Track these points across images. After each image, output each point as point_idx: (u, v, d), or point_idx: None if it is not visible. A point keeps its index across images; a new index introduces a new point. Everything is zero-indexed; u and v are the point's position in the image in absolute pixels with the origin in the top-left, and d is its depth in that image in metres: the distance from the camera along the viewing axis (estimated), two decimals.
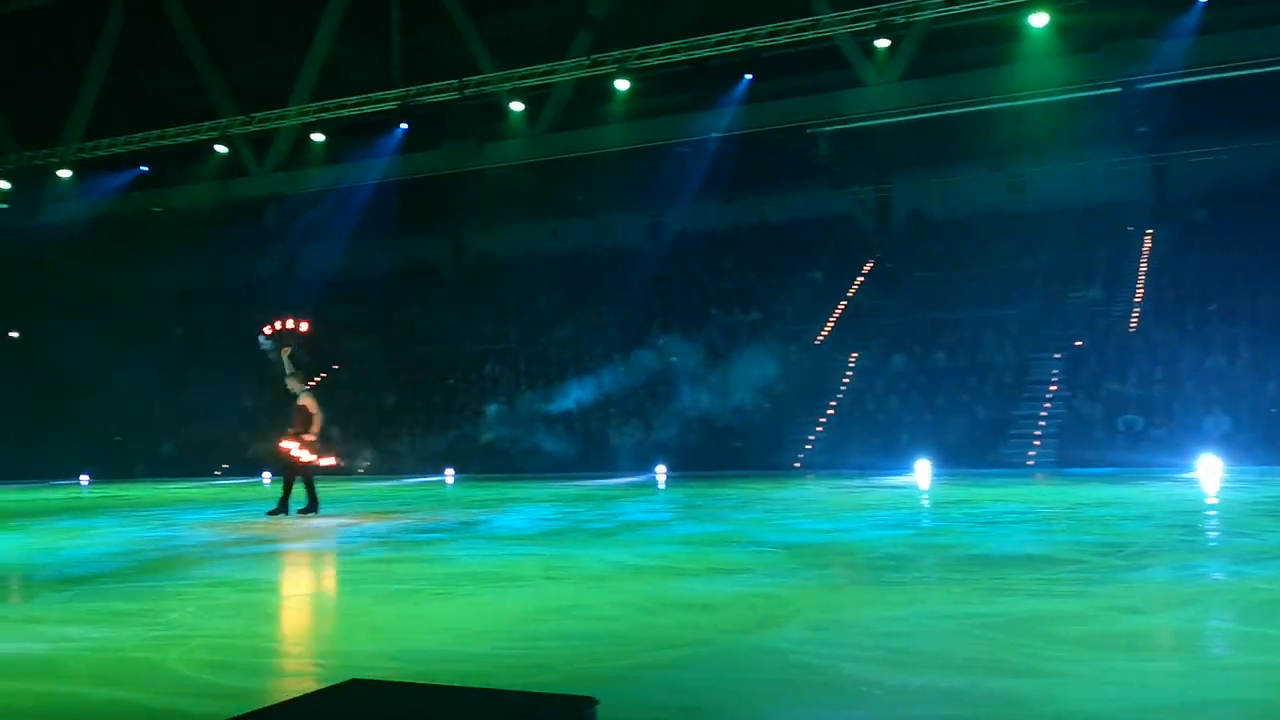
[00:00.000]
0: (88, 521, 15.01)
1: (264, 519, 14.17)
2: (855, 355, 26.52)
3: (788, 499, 16.58)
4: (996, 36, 23.25)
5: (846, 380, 26.02)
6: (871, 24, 23.16)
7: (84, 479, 27.34)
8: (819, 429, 24.90)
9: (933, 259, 28.56)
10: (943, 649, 5.72)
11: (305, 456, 14.13)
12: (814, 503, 15.96)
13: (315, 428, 14.28)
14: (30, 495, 22.58)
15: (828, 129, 26.69)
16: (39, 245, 31.98)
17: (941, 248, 28.74)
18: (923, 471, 20.52)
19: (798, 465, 23.92)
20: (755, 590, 7.70)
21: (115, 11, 29.73)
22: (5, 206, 31.34)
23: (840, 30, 23.62)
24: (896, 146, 27.85)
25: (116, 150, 29.68)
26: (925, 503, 15.85)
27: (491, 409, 27.17)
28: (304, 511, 14.15)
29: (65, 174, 30.21)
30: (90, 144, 29.92)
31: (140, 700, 5.22)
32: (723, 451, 24.55)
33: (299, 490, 14.37)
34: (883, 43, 23.68)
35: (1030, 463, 22.16)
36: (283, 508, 14.19)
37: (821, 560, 9.52)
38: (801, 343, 27.55)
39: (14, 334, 34.65)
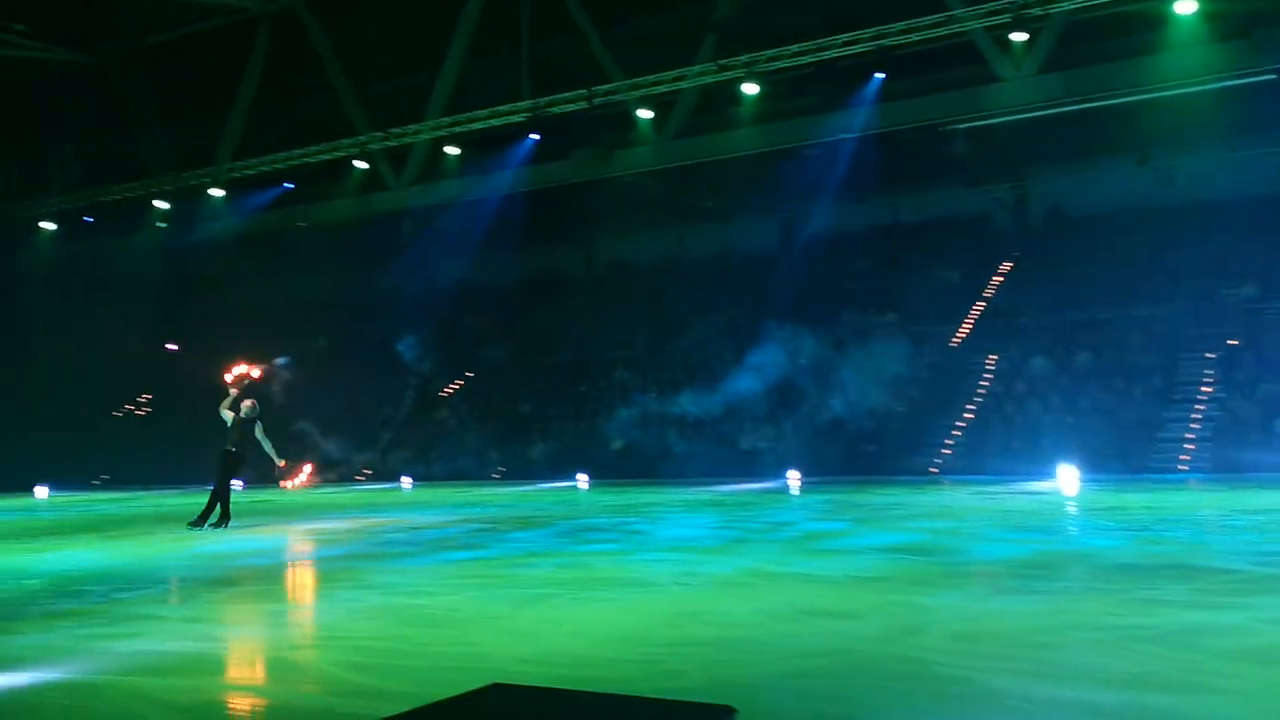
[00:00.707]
0: (240, 525, 15.65)
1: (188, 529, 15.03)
2: (994, 357, 25.83)
3: (925, 505, 16.25)
4: (1140, 25, 22.35)
5: (985, 383, 25.36)
6: (1007, 18, 22.50)
7: (236, 484, 28.49)
8: (956, 433, 24.33)
9: (1075, 256, 27.59)
10: (1094, 662, 5.53)
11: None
12: (953, 509, 15.60)
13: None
14: (187, 500, 23.65)
15: (963, 126, 26.07)
16: (194, 261, 33.58)
17: (1084, 245, 27.76)
18: (1067, 477, 19.86)
19: (934, 471, 23.42)
20: (895, 598, 7.57)
21: (261, 37, 31.00)
22: (164, 226, 32.98)
23: (974, 25, 23.02)
24: (1034, 141, 26.99)
25: (264, 169, 30.94)
26: (1071, 509, 15.35)
27: (622, 414, 27.38)
28: (214, 525, 15.09)
29: (217, 193, 31.61)
30: (240, 164, 31.26)
31: (292, 699, 5.42)
32: (857, 456, 24.19)
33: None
34: (1019, 36, 23.00)
35: (1182, 467, 21.23)
36: (202, 520, 15.12)
37: (963, 568, 9.31)
38: (937, 344, 26.95)
39: (172, 346, 36.39)
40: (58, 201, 34.05)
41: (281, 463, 16.32)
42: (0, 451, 30.18)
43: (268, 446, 15.60)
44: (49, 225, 34.24)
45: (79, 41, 31.73)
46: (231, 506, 15.61)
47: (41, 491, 28.25)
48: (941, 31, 23.18)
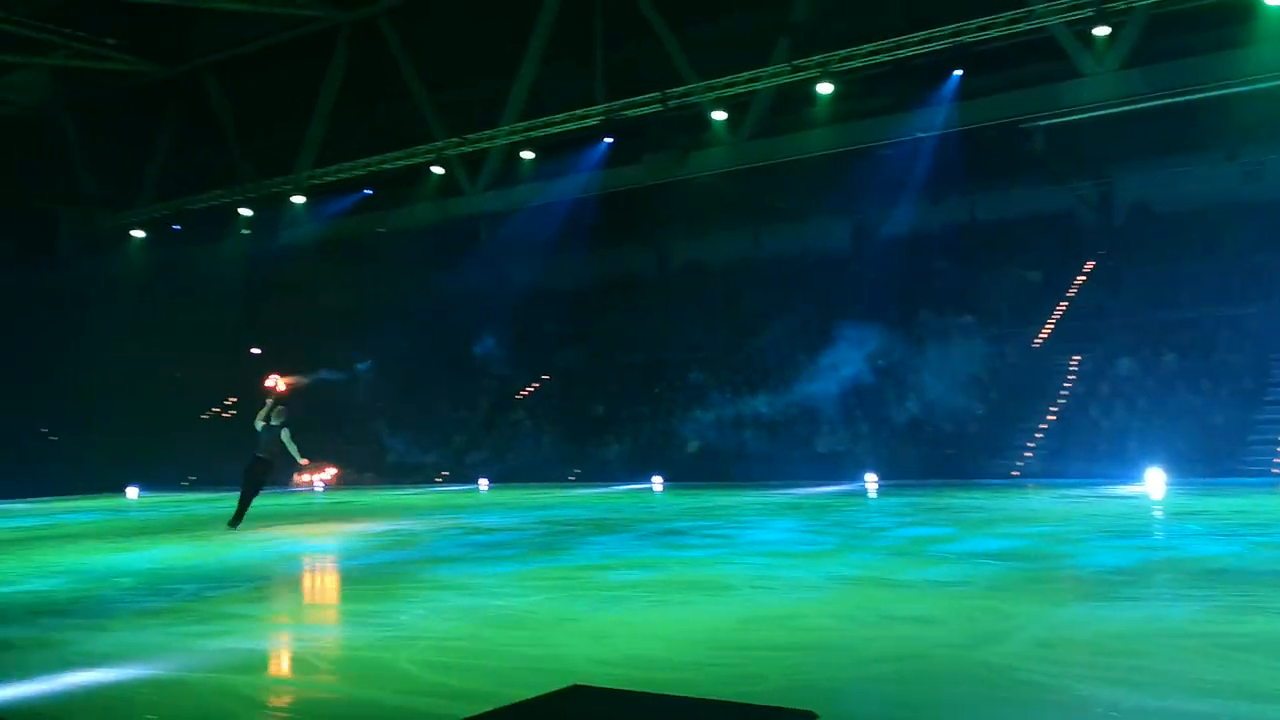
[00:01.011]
0: (322, 525, 15.96)
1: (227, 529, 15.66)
2: (1077, 358, 25.32)
3: (1008, 510, 15.98)
4: (1228, 18, 21.72)
5: (1068, 384, 24.86)
6: (1089, 11, 22.04)
7: (318, 486, 29.05)
8: (1038, 436, 23.88)
9: (1161, 255, 26.95)
10: (1184, 670, 5.40)
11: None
12: (1037, 513, 15.32)
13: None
14: (270, 501, 24.14)
15: (1043, 123, 25.57)
16: (276, 267, 34.27)
17: (1170, 242, 27.07)
18: (1154, 481, 19.37)
19: (1015, 474, 23.01)
20: (976, 604, 7.46)
21: (341, 47, 31.54)
22: (248, 233, 33.75)
23: (1055, 20, 22.59)
24: (1119, 137, 26.40)
25: (344, 176, 31.49)
26: (1158, 514, 14.99)
27: (697, 416, 27.33)
28: (230, 525, 15.75)
29: (299, 200, 32.25)
30: (320, 171, 31.85)
31: (375, 698, 5.49)
32: (936, 459, 23.86)
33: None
34: (1101, 30, 22.51)
35: (1275, 471, 20.61)
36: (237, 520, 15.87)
37: (1047, 573, 9.14)
38: (1017, 345, 26.51)
39: (255, 350, 37.17)
40: (147, 210, 35.02)
41: (304, 461, 16.80)
42: (92, 453, 31.12)
43: (293, 449, 16.11)
44: (139, 233, 35.25)
45: (166, 54, 32.58)
46: (313, 508, 15.99)
47: (132, 492, 29.08)
48: (1021, 27, 22.75)
